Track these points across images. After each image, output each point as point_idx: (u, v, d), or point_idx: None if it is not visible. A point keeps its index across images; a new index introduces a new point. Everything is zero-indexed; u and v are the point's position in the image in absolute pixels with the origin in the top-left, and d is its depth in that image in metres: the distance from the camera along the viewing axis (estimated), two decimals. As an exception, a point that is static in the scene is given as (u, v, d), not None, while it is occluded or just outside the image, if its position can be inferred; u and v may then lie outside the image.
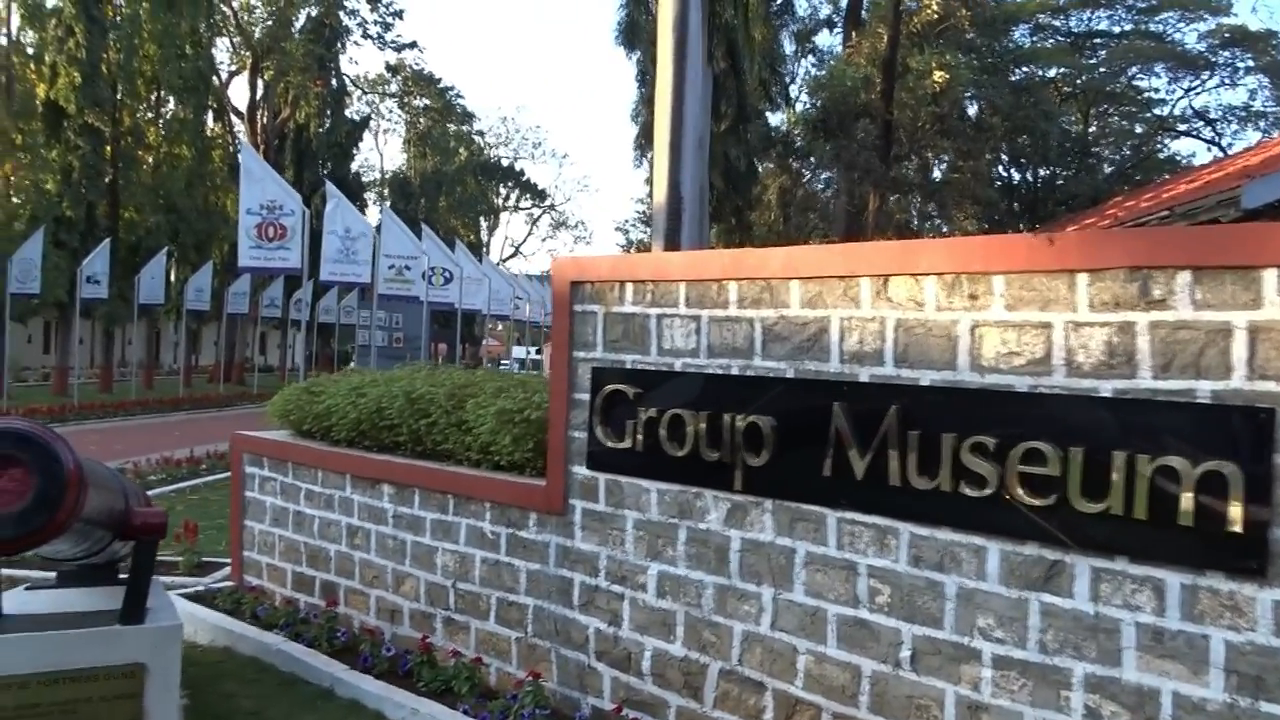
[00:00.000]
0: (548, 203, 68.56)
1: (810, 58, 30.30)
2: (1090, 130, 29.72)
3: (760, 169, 33.04)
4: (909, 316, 3.05)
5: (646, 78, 34.58)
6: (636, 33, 34.14)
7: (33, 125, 25.78)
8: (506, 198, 65.47)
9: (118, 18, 28.10)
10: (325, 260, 11.87)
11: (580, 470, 4.01)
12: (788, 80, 34.50)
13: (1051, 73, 27.99)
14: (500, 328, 47.23)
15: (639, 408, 3.76)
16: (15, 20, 25.85)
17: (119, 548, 4.07)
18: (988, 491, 2.80)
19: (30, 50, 26.40)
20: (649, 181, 38.61)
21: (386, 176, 58.25)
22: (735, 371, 3.51)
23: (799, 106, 28.58)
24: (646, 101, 35.43)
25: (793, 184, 26.02)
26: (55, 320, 32.08)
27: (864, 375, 3.15)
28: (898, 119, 21.15)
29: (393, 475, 4.90)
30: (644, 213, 56.05)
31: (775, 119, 29.93)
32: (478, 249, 44.49)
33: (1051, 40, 28.77)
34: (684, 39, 9.84)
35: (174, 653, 3.64)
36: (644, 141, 37.02)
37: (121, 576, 4.51)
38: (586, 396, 3.98)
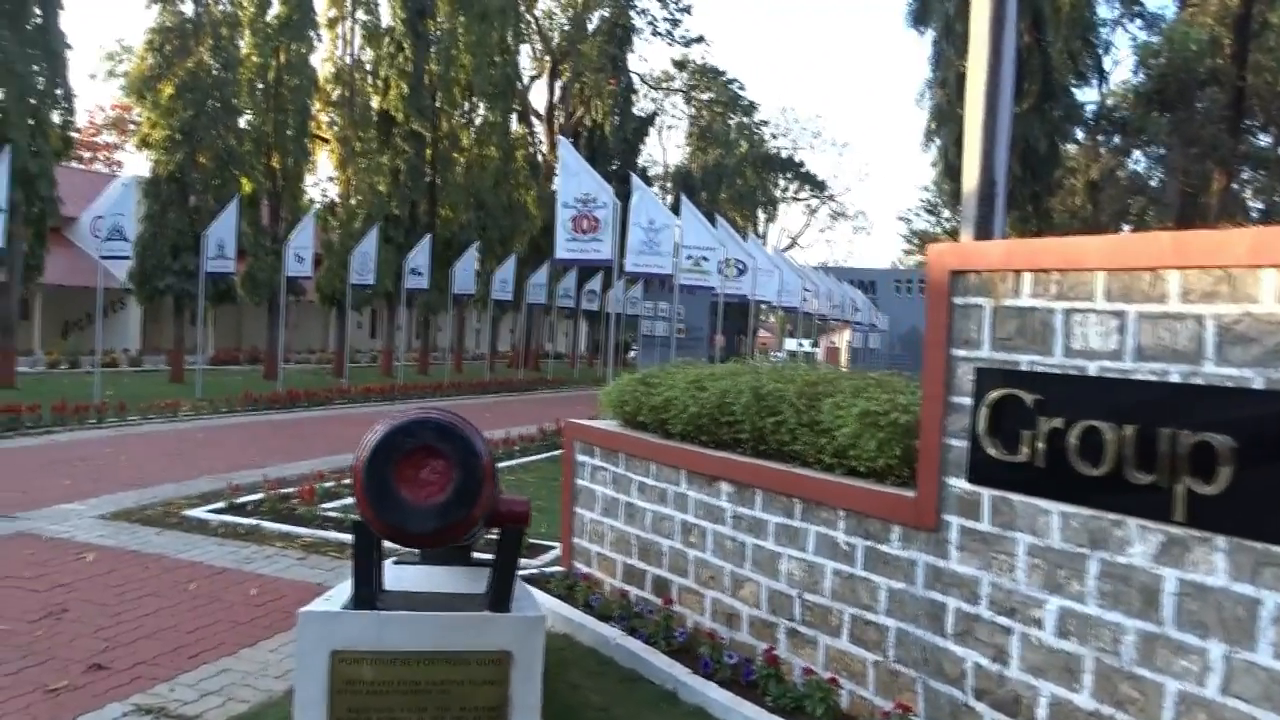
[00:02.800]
0: (826, 193, 67.38)
1: (1137, 22, 27.19)
2: None
3: (1061, 150, 30.23)
4: None
5: (941, 58, 32.79)
6: (931, 10, 32.42)
7: (368, 133, 28.77)
8: (785, 189, 64.98)
9: (438, 32, 30.68)
10: (629, 252, 12.09)
11: (958, 483, 3.57)
12: (1100, 51, 31.30)
13: None
14: (772, 320, 46.98)
15: (1039, 416, 3.26)
16: (357, 40, 28.85)
17: (481, 532, 4.16)
18: None
19: (368, 66, 29.43)
20: (936, 166, 36.65)
21: (669, 170, 59.68)
22: (1176, 379, 2.92)
23: (1123, 76, 25.81)
24: (940, 83, 33.53)
25: (1114, 165, 23.46)
26: (381, 308, 35.72)
27: (1375, 389, 2.48)
28: (1252, 84, 18.38)
29: (733, 474, 4.70)
30: (929, 201, 53.42)
31: (1084, 94, 27.24)
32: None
33: None
34: (1001, 8, 9.01)
35: (538, 643, 3.63)
36: (934, 126, 35.15)
37: (477, 557, 4.66)
38: (968, 401, 3.54)
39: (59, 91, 19.18)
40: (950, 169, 32.68)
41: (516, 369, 34.65)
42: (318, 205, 29.39)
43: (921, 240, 57.31)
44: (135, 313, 32.63)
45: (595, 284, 36.09)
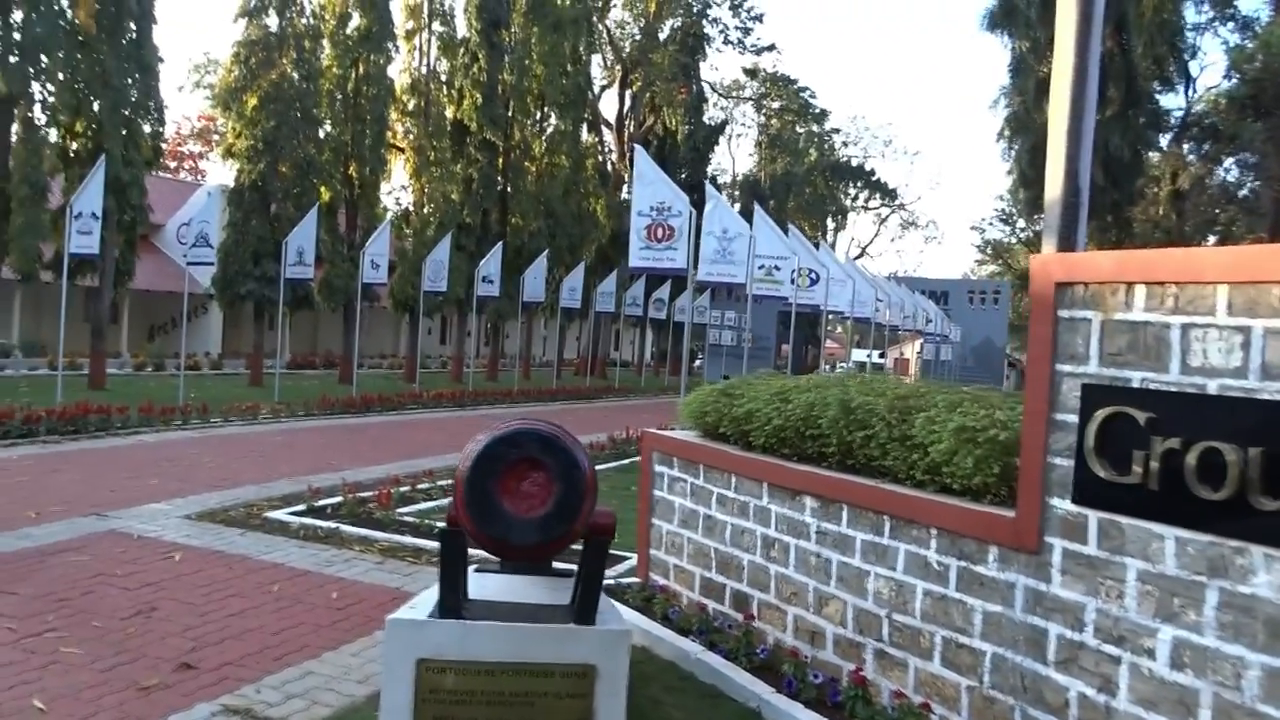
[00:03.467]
0: (897, 202, 66.46)
1: (1229, 25, 26.26)
2: None
3: (1144, 158, 29.23)
4: None
5: (1020, 64, 32.07)
6: (1011, 15, 31.73)
7: (442, 143, 29.23)
8: (855, 197, 64.27)
9: (511, 42, 31.06)
10: (703, 260, 12.02)
11: (1062, 504, 3.42)
12: (1187, 56, 30.23)
13: None
14: (839, 330, 46.46)
15: (1152, 436, 3.11)
16: (433, 51, 29.35)
17: None
18: None
19: (443, 77, 29.92)
20: (1011, 174, 35.73)
21: (736, 179, 59.48)
22: (1308, 399, 2.75)
23: (1211, 81, 24.90)
24: (1017, 90, 32.84)
25: (1203, 173, 22.63)
26: (451, 315, 36.24)
27: None
28: (1354, 89, 17.57)
29: (817, 488, 4.60)
30: (1003, 210, 52.22)
31: (1169, 100, 26.31)
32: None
33: None
34: (1089, 9, 8.74)
35: (623, 657, 3.58)
36: (1009, 133, 34.37)
37: (558, 566, 4.62)
38: (1073, 418, 3.39)
39: (150, 103, 19.87)
40: (1024, 177, 31.92)
41: (584, 376, 34.81)
42: (392, 213, 29.93)
43: (995, 250, 56.06)
44: (216, 317, 33.61)
45: (663, 292, 36.12)
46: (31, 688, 4.39)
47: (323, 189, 24.75)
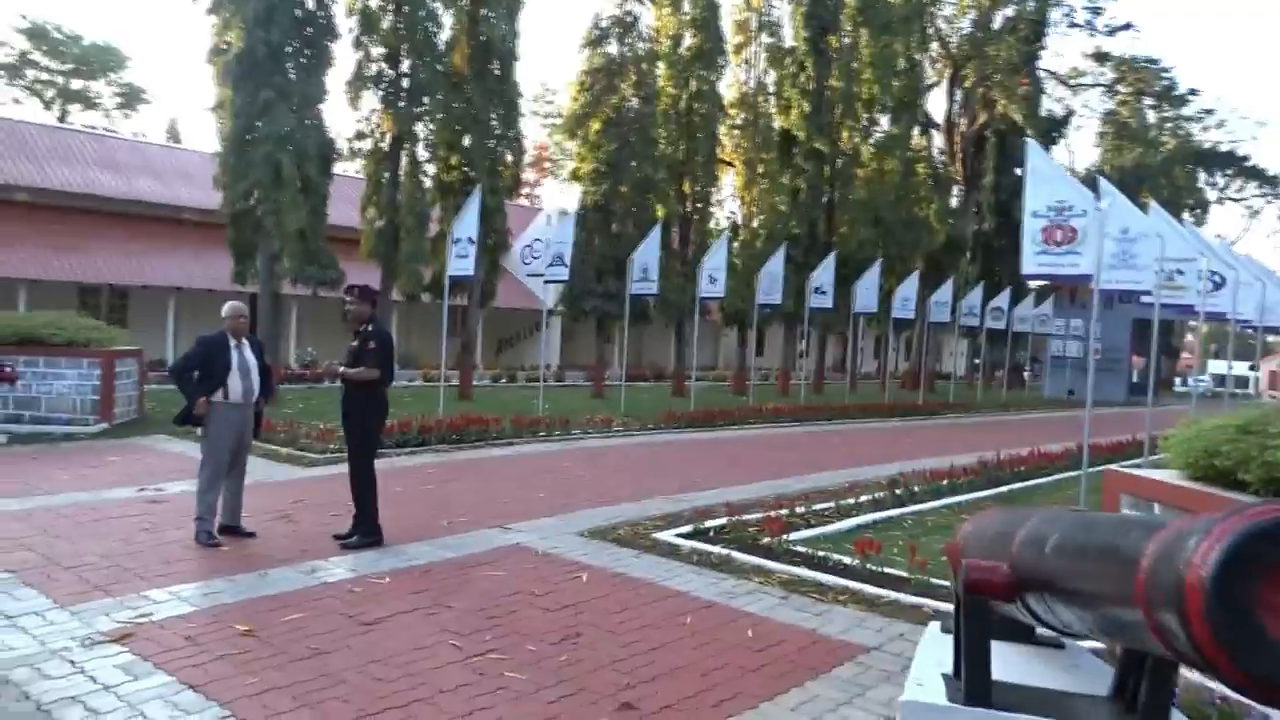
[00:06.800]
0: (1276, 190, 57.34)
1: None
2: None
3: None
4: None
5: None
6: None
7: (770, 155, 29.09)
8: (1225, 187, 56.26)
9: (839, 48, 30.31)
10: (1102, 266, 10.54)
11: None
12: None
13: None
14: (1190, 338, 40.87)
15: None
16: (761, 63, 29.34)
17: None
18: None
19: (770, 88, 29.81)
20: None
21: (1076, 174, 54.25)
22: None
23: None
24: None
25: None
26: (774, 327, 36.01)
27: None
28: None
29: None
30: None
31: None
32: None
33: None
34: None
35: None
36: None
37: (1043, 634, 3.86)
38: None
39: (511, 134, 21.41)
40: None
41: (912, 390, 33.13)
42: (727, 228, 30.23)
43: None
44: (555, 331, 35.88)
45: (1001, 300, 33.53)
46: (489, 715, 4.36)
47: (659, 207, 25.44)
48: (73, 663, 4.79)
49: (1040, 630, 4.00)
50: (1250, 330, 19.37)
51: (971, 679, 3.02)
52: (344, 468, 7.95)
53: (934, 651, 3.74)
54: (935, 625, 4.13)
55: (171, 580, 6.27)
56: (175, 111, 70.56)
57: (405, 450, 12.54)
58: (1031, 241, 9.61)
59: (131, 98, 54.06)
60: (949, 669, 3.42)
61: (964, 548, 4.09)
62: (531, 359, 34.23)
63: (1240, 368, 59.40)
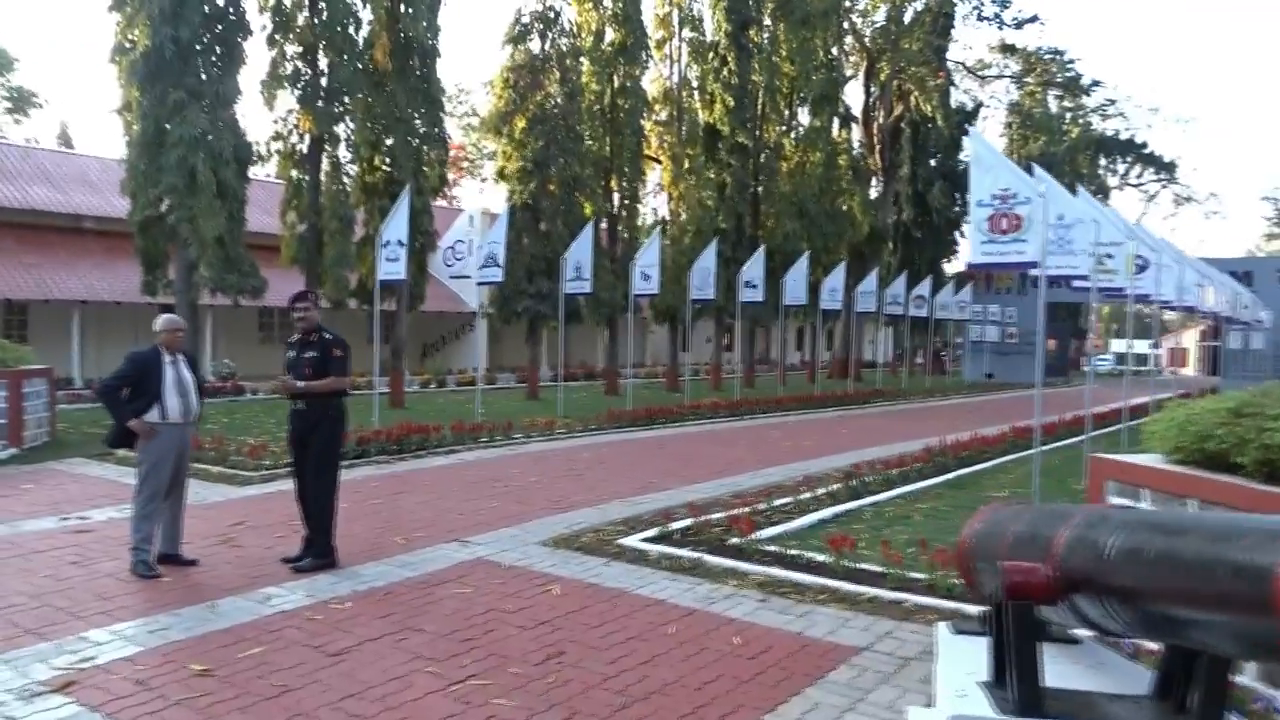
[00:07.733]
0: (1172, 176, 59.92)
1: None
2: None
3: None
4: None
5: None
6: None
7: (695, 149, 29.05)
8: (1125, 174, 58.52)
9: (760, 42, 30.44)
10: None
11: None
12: None
13: None
14: (1093, 319, 42.50)
15: None
16: (684, 58, 29.27)
17: None
18: None
19: (694, 83, 29.76)
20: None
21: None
22: None
23: None
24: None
25: None
26: (693, 323, 36.00)
27: None
28: None
29: None
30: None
31: None
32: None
33: None
34: None
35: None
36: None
37: (1075, 633, 3.77)
38: None
39: (436, 132, 20.86)
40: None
41: (840, 380, 33.55)
42: (657, 225, 30.10)
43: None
44: (482, 334, 35.30)
45: (923, 289, 34.20)
46: (483, 749, 4.08)
47: (587, 205, 25.15)
48: (12, 719, 4.34)
49: (1051, 626, 3.92)
50: (1169, 310, 20.04)
51: (1023, 689, 2.88)
52: (283, 485, 7.52)
53: (956, 657, 3.61)
54: (944, 627, 4.01)
55: (111, 618, 5.79)
56: (66, 115, 67.02)
57: (343, 463, 12.02)
58: (978, 230, 9.66)
59: (22, 101, 51.34)
60: (980, 675, 3.29)
61: (974, 548, 3.97)
62: (459, 363, 33.57)
63: (1141, 346, 61.73)
